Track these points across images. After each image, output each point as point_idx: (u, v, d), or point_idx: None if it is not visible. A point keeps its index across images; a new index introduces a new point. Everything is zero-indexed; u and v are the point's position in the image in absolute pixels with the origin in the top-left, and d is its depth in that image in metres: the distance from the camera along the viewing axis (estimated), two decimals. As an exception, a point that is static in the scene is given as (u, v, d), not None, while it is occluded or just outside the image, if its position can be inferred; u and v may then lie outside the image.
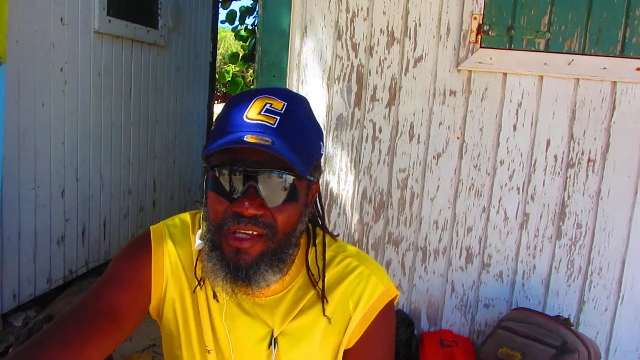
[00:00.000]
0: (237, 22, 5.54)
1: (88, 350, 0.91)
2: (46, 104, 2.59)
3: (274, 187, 0.90)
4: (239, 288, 0.93)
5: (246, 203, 0.88)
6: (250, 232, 0.90)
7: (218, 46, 5.17)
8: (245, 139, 0.87)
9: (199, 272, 1.04)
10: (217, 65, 5.19)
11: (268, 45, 2.26)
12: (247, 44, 5.77)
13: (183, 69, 4.06)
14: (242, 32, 5.78)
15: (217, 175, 0.91)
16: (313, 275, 1.04)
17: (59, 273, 2.84)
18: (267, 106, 0.92)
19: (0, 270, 2.40)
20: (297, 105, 0.96)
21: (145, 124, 3.54)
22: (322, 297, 1.03)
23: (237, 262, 0.91)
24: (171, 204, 4.02)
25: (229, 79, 7.21)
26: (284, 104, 0.93)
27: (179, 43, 3.94)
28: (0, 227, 2.34)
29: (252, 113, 0.92)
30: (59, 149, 2.72)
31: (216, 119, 0.98)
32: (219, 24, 5.03)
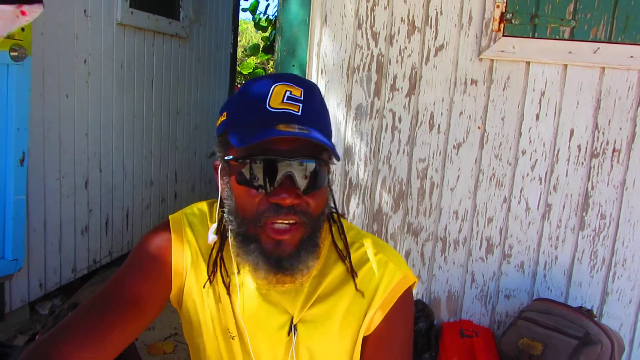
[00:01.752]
0: (258, 12, 5.54)
1: (111, 337, 0.93)
2: (70, 95, 2.63)
3: (306, 175, 0.91)
4: (281, 278, 0.95)
5: (284, 194, 0.88)
6: (288, 222, 0.91)
7: (240, 38, 5.18)
8: (278, 128, 0.87)
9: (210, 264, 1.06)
10: (238, 57, 5.20)
11: (288, 34, 2.25)
12: (268, 34, 5.76)
13: (204, 60, 4.09)
14: (263, 23, 5.77)
15: (249, 167, 0.90)
16: (342, 251, 1.05)
17: (83, 263, 2.89)
18: (287, 94, 0.92)
19: (27, 260, 2.45)
20: (313, 91, 0.97)
21: (166, 115, 3.57)
22: (352, 271, 1.04)
23: (279, 254, 0.92)
24: (192, 195, 4.06)
25: (250, 70, 7.23)
26: (302, 91, 0.94)
27: (200, 34, 3.96)
28: (26, 218, 2.39)
29: (275, 102, 0.91)
30: (82, 140, 2.76)
31: (231, 109, 0.97)
32: (240, 16, 5.03)
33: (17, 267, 2.34)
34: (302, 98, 0.93)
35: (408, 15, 2.17)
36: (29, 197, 2.39)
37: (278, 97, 0.92)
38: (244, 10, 5.61)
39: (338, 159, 0.92)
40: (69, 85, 2.62)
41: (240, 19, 5.08)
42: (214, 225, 1.03)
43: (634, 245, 2.13)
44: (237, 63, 6.01)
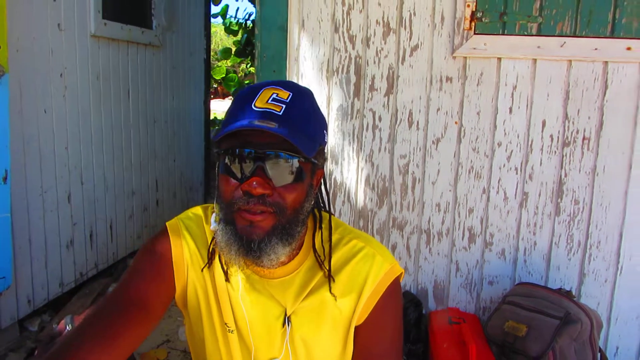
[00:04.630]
0: (229, 16, 5.54)
1: (120, 341, 0.97)
2: (48, 110, 2.62)
3: (281, 168, 0.97)
4: (250, 261, 1.00)
5: (254, 182, 0.94)
6: (259, 211, 0.96)
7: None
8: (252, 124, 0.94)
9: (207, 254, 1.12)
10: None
11: (267, 40, 2.30)
12: (239, 37, 5.77)
13: (179, 68, 4.08)
14: (233, 27, 5.77)
15: (228, 158, 0.97)
16: (320, 256, 1.11)
17: (70, 276, 2.88)
18: (274, 95, 0.99)
19: (15, 277, 2.43)
20: (302, 96, 1.03)
21: (144, 124, 3.57)
22: (329, 277, 1.10)
23: (249, 236, 0.97)
24: (174, 202, 4.06)
25: (223, 75, 7.20)
26: (290, 94, 1.00)
27: (173, 42, 3.96)
28: (11, 235, 2.37)
29: (260, 102, 0.98)
30: (62, 154, 2.75)
31: (228, 109, 1.05)
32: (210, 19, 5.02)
33: (5, 285, 2.32)
34: (287, 100, 0.99)
35: (383, 18, 2.24)
36: (13, 214, 2.37)
37: (264, 98, 0.99)
38: (215, 15, 5.61)
39: (308, 155, 0.97)
40: (47, 100, 2.61)
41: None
42: (214, 214, 1.09)
43: (606, 228, 2.24)
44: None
